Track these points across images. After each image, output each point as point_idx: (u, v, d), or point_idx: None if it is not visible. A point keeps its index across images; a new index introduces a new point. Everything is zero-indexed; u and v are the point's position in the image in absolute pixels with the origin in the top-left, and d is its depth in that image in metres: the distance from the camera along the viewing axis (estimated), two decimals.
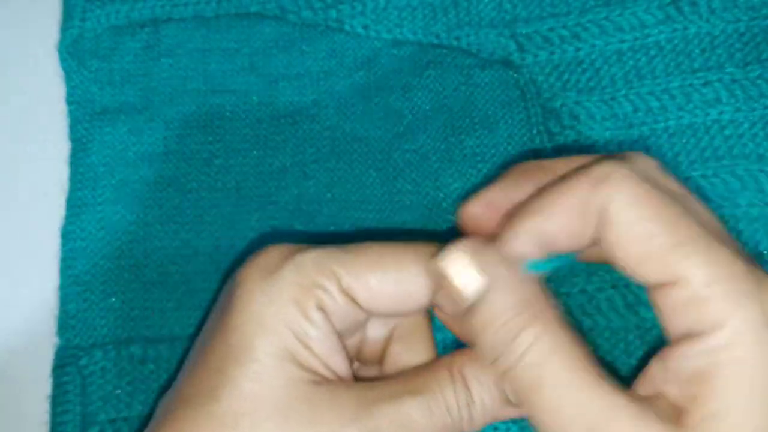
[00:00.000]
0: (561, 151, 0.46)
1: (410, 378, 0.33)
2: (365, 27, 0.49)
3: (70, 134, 0.49)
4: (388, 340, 0.37)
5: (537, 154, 0.46)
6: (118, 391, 0.44)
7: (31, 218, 0.48)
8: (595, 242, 0.32)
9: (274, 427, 0.30)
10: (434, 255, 0.33)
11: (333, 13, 0.49)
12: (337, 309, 0.33)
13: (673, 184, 0.33)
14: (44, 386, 0.44)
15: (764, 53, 0.46)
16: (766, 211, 0.44)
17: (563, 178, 0.33)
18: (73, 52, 0.50)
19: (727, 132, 0.45)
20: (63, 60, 0.50)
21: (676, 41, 0.47)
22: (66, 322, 0.45)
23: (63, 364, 0.44)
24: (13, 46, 0.51)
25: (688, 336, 0.29)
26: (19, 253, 0.47)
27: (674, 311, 0.30)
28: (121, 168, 0.48)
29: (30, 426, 0.44)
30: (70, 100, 0.49)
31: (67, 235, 0.47)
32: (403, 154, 0.48)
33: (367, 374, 0.38)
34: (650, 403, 0.30)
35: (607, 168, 0.31)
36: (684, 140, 0.45)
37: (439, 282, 0.32)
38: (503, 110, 0.48)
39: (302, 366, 0.32)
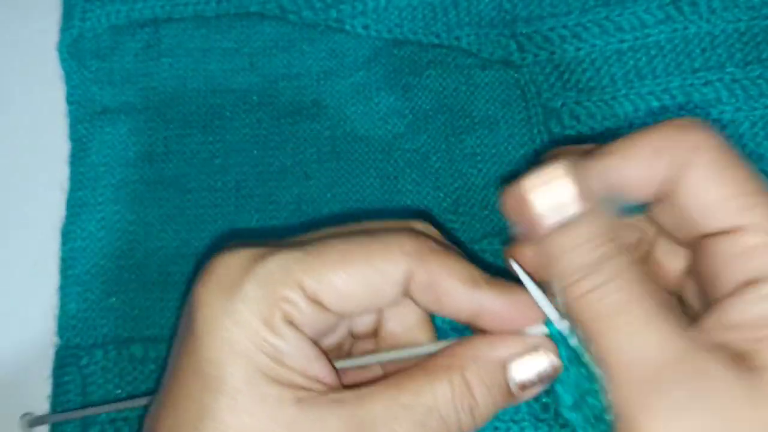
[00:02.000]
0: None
1: (403, 386, 0.32)
2: (365, 27, 0.49)
3: (70, 134, 0.49)
4: (379, 319, 0.36)
5: (538, 155, 0.46)
6: (119, 391, 0.44)
7: (31, 218, 0.48)
8: (660, 197, 0.33)
9: None
10: (403, 246, 0.32)
11: (333, 13, 0.49)
12: (305, 318, 0.32)
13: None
14: (44, 386, 0.44)
15: (764, 53, 0.46)
16: None
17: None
18: (73, 52, 0.49)
19: (727, 132, 0.45)
20: (63, 60, 0.49)
21: (676, 41, 0.47)
22: (66, 322, 0.45)
23: (63, 364, 0.44)
24: (13, 46, 0.51)
25: (750, 283, 0.30)
26: (19, 254, 0.47)
27: (733, 260, 0.31)
28: (121, 168, 0.48)
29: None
30: (70, 100, 0.49)
31: (67, 235, 0.47)
32: (404, 154, 0.48)
33: (364, 347, 0.37)
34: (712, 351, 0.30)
35: (687, 120, 0.32)
36: None
37: (521, 199, 0.31)
38: (504, 110, 0.48)
39: (281, 384, 0.31)
